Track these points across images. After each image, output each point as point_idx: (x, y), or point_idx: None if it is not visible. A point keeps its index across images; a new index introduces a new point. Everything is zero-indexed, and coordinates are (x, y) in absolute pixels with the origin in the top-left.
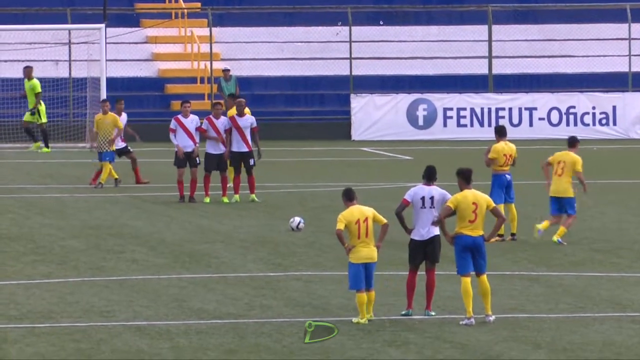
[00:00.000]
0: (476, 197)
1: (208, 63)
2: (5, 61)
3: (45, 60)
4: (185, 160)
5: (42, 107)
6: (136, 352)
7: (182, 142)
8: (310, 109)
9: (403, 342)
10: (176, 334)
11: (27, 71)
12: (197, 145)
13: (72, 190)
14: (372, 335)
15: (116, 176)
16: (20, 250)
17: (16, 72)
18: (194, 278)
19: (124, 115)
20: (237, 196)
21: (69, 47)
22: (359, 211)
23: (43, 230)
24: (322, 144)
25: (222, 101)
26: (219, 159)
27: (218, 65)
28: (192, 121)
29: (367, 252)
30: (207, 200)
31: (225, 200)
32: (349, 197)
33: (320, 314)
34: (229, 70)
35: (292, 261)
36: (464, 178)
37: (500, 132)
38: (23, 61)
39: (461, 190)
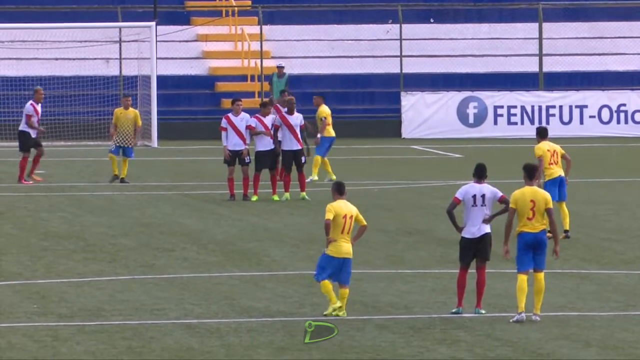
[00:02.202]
0: (535, 194)
1: (258, 61)
2: (57, 59)
3: (95, 59)
4: (234, 158)
5: None
6: (187, 350)
7: (232, 141)
8: (361, 107)
9: (454, 340)
10: (226, 332)
11: None
12: (247, 145)
13: (122, 189)
14: (423, 333)
15: (116, 172)
16: (71, 249)
17: (68, 69)
18: (244, 276)
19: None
20: (287, 194)
21: (120, 45)
22: (347, 207)
23: (94, 229)
24: (373, 141)
25: (268, 100)
26: (269, 157)
27: (268, 63)
28: (242, 119)
29: (347, 247)
30: (255, 198)
31: (276, 198)
32: (340, 191)
33: (370, 312)
34: (283, 67)
35: None
36: (527, 173)
37: (541, 134)
38: (74, 59)
39: (525, 184)
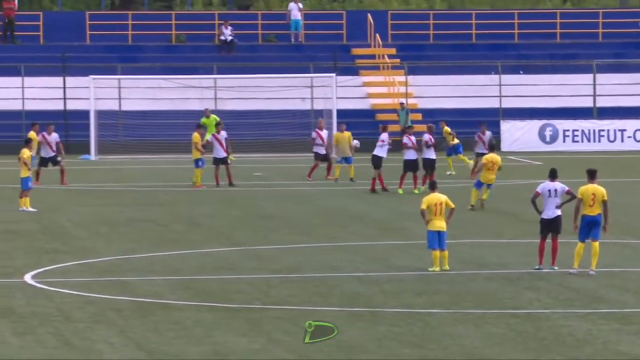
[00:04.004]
0: (595, 189)
1: (404, 100)
2: (269, 98)
3: (295, 98)
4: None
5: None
6: (355, 294)
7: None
8: (472, 130)
9: (536, 288)
10: (383, 282)
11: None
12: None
13: (316, 185)
14: (515, 283)
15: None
16: (278, 225)
17: (276, 105)
18: (393, 244)
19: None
20: (423, 187)
21: (312, 89)
22: (437, 197)
23: (294, 212)
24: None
25: (409, 126)
26: (414, 164)
27: (411, 101)
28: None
29: (440, 224)
30: (401, 191)
31: (416, 191)
32: (432, 187)
33: (479, 268)
34: (403, 103)
35: (461, 232)
36: (589, 175)
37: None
38: (281, 98)
39: (588, 182)
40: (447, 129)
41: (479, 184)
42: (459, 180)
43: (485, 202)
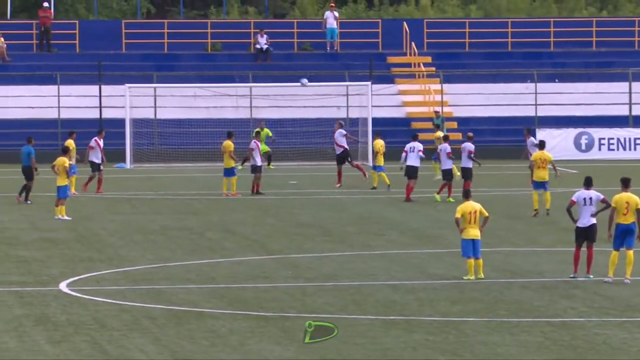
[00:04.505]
0: (629, 198)
1: (439, 108)
2: (305, 107)
3: (330, 106)
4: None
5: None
6: (391, 302)
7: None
8: (508, 139)
9: (571, 296)
10: (418, 290)
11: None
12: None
13: (348, 193)
14: (550, 290)
15: (382, 182)
16: (313, 233)
17: (312, 113)
18: (430, 252)
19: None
20: (450, 198)
21: (347, 97)
22: (471, 206)
23: (330, 220)
24: (518, 162)
25: (446, 135)
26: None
27: (446, 110)
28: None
29: (474, 232)
30: (438, 198)
31: (451, 200)
32: (466, 195)
33: (514, 276)
34: (438, 111)
35: (495, 240)
36: (623, 184)
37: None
38: (316, 107)
39: (622, 191)
40: (439, 133)
41: (536, 185)
42: (493, 189)
43: (550, 211)
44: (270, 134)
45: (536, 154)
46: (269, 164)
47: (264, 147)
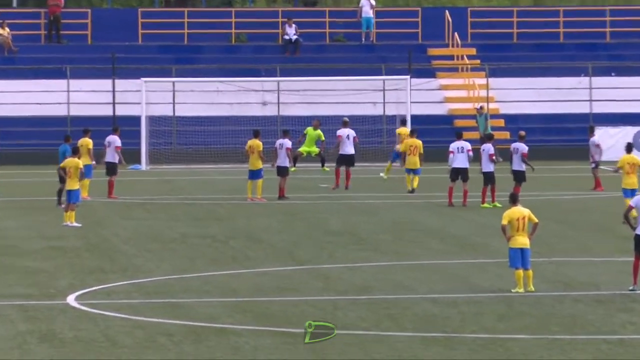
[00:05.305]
0: None
1: (485, 104)
2: (336, 103)
3: (365, 102)
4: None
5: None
6: (430, 317)
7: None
8: (559, 138)
9: (629, 309)
10: (461, 304)
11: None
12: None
13: (383, 197)
14: (606, 304)
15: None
16: (345, 241)
17: (345, 110)
18: (473, 262)
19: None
20: (496, 203)
21: (384, 93)
22: (519, 211)
23: (362, 226)
24: (570, 163)
25: (490, 134)
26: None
27: (492, 106)
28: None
29: (523, 240)
30: (486, 206)
31: (497, 204)
32: (514, 200)
33: (567, 289)
34: (482, 107)
35: (546, 249)
36: None
37: (628, 149)
38: (349, 103)
39: None
40: (404, 129)
41: (626, 193)
42: (544, 193)
43: None
44: (323, 138)
45: (624, 158)
46: (322, 166)
47: (314, 149)
